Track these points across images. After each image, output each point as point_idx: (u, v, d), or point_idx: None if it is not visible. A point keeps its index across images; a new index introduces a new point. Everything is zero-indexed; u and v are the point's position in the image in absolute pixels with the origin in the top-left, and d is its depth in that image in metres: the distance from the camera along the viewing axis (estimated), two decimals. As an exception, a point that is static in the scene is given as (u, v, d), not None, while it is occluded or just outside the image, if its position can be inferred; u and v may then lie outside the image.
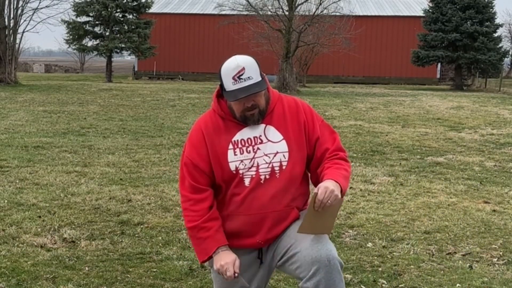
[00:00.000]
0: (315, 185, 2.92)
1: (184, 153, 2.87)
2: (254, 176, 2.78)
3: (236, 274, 2.71)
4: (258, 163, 2.79)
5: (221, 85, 2.79)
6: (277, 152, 2.80)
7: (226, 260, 2.72)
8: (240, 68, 2.70)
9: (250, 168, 2.79)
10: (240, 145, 2.80)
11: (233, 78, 2.70)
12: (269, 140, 2.81)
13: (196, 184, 2.81)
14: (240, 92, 2.69)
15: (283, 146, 2.81)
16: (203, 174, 2.81)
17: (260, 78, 2.74)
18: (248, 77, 2.70)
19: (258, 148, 2.80)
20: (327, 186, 2.62)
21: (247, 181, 2.79)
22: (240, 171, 2.78)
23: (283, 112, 2.86)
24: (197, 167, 2.81)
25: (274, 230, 2.79)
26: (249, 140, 2.80)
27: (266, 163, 2.79)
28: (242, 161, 2.78)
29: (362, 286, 4.17)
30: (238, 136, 2.81)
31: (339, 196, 2.64)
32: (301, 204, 2.89)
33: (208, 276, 4.15)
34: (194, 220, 2.79)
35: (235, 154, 2.79)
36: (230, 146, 2.80)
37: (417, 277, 4.33)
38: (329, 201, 2.60)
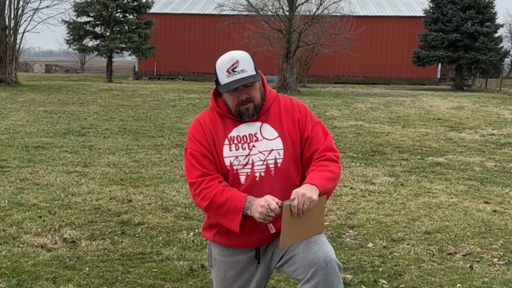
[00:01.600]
0: None
1: (188, 147, 2.86)
2: (249, 173, 2.78)
3: (280, 203, 2.62)
4: (253, 161, 2.79)
5: (216, 81, 2.80)
6: (272, 150, 2.80)
7: (263, 199, 2.63)
8: (234, 61, 2.73)
9: (245, 165, 2.79)
10: (236, 141, 2.81)
11: (227, 71, 2.73)
12: (264, 138, 2.81)
13: (205, 170, 2.79)
14: (233, 83, 2.71)
15: (278, 144, 2.81)
16: (210, 162, 2.81)
17: (254, 72, 2.76)
18: (242, 70, 2.72)
19: (253, 146, 2.80)
20: (297, 192, 2.61)
21: (242, 179, 2.79)
22: (234, 167, 2.79)
23: (279, 111, 2.87)
24: (203, 155, 2.81)
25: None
26: (244, 137, 2.81)
27: (261, 160, 2.79)
28: (237, 157, 2.79)
29: (362, 286, 4.17)
30: (234, 132, 2.82)
31: (313, 197, 2.60)
32: None
33: (208, 276, 4.14)
34: (209, 195, 2.73)
35: (230, 150, 2.80)
36: (226, 142, 2.81)
37: (418, 277, 4.33)
38: (304, 206, 2.59)
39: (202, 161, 2.80)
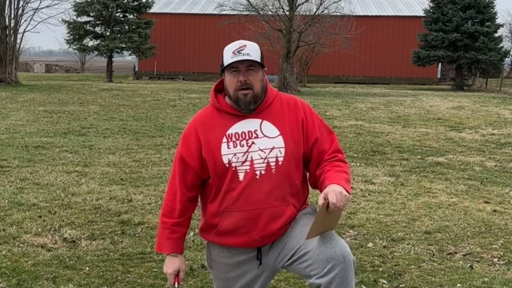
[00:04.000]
0: (313, 185, 2.91)
1: (178, 150, 2.90)
2: (248, 171, 2.76)
3: (176, 285, 2.94)
4: (252, 158, 2.76)
5: (222, 65, 2.80)
6: (273, 148, 2.78)
7: (170, 269, 2.94)
8: (242, 44, 2.77)
9: (243, 162, 2.76)
10: (234, 139, 2.78)
11: (233, 52, 2.74)
12: (265, 135, 2.79)
13: (181, 187, 2.88)
14: (237, 62, 2.73)
15: (279, 142, 2.79)
16: (191, 171, 2.83)
17: (259, 60, 2.77)
18: (248, 53, 2.74)
19: (253, 143, 2.77)
20: (335, 190, 2.63)
21: (241, 176, 2.76)
22: (233, 165, 2.76)
23: (281, 109, 2.85)
24: (186, 163, 2.83)
25: (271, 226, 2.77)
26: (243, 134, 2.79)
27: (262, 158, 2.76)
28: (235, 154, 2.76)
29: (362, 286, 4.16)
30: (232, 130, 2.79)
31: (348, 196, 2.66)
32: (297, 202, 2.86)
33: (208, 276, 4.14)
34: (167, 216, 2.92)
35: (228, 147, 2.77)
36: (224, 140, 2.78)
37: (418, 277, 4.33)
38: (341, 204, 2.61)
39: (182, 168, 2.86)
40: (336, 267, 2.63)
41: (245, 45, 2.77)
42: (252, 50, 2.76)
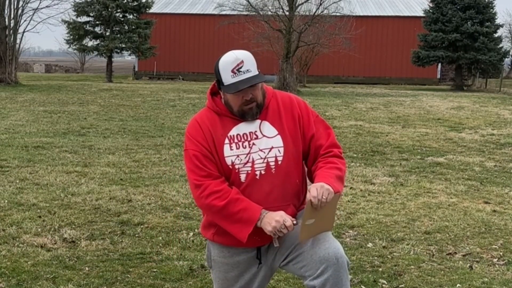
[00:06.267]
0: (312, 181, 2.92)
1: (188, 148, 2.82)
2: (249, 172, 2.77)
3: (295, 222, 2.63)
4: (253, 159, 2.78)
5: (218, 80, 2.77)
6: (272, 147, 2.79)
7: (279, 215, 2.64)
8: (239, 61, 2.71)
9: (245, 163, 2.77)
10: (236, 140, 2.79)
11: (232, 71, 2.70)
12: (264, 136, 2.80)
13: (210, 171, 2.76)
14: (241, 84, 2.69)
15: (278, 141, 2.80)
16: (212, 163, 2.77)
17: (257, 72, 2.75)
18: (247, 70, 2.71)
19: (253, 144, 2.79)
20: (315, 184, 2.65)
21: (243, 177, 2.78)
22: (236, 166, 2.77)
23: (277, 108, 2.87)
24: (205, 156, 2.77)
25: None
26: (245, 136, 2.80)
27: (261, 158, 2.78)
28: (238, 156, 2.78)
29: (362, 286, 4.17)
30: (234, 131, 2.80)
31: (331, 189, 2.63)
32: (297, 201, 2.87)
33: (208, 276, 4.14)
34: (225, 197, 2.70)
35: (231, 149, 2.78)
36: (226, 141, 2.79)
37: (417, 277, 4.34)
38: (323, 197, 2.60)
39: (204, 162, 2.76)
40: (329, 269, 2.63)
41: (242, 61, 2.70)
42: (250, 64, 2.72)
